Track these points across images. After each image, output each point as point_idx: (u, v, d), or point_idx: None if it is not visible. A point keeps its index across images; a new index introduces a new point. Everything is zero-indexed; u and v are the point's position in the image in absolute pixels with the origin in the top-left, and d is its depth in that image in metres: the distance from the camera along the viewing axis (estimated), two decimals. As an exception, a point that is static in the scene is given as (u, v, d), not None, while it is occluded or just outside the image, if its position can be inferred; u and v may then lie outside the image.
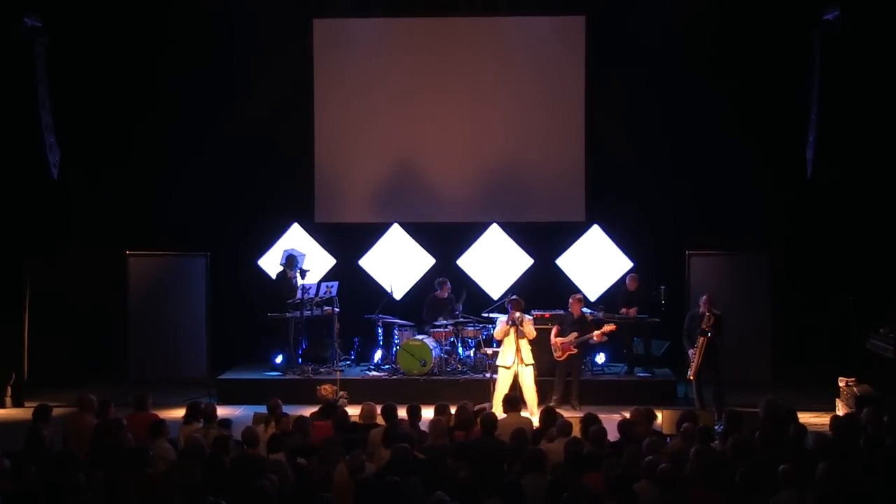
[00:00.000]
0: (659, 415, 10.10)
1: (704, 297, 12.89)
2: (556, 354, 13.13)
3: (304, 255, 14.62)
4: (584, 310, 14.01)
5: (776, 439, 8.22)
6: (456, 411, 9.27)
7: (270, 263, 15.48)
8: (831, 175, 14.06)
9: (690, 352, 12.62)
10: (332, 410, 9.79)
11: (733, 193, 14.96)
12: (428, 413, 9.55)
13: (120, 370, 14.99)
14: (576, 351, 13.12)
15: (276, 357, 14.53)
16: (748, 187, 14.90)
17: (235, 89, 15.24)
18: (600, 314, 13.89)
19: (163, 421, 8.95)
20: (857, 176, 14.15)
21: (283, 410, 9.56)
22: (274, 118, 15.43)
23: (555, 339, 13.12)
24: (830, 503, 6.66)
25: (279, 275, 14.62)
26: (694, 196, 15.05)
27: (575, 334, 13.07)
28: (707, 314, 12.53)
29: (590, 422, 8.91)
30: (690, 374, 12.57)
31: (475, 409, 9.65)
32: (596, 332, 13.16)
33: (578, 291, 14.64)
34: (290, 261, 14.35)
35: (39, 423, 8.86)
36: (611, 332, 13.34)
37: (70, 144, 14.47)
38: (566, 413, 11.30)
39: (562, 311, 13.54)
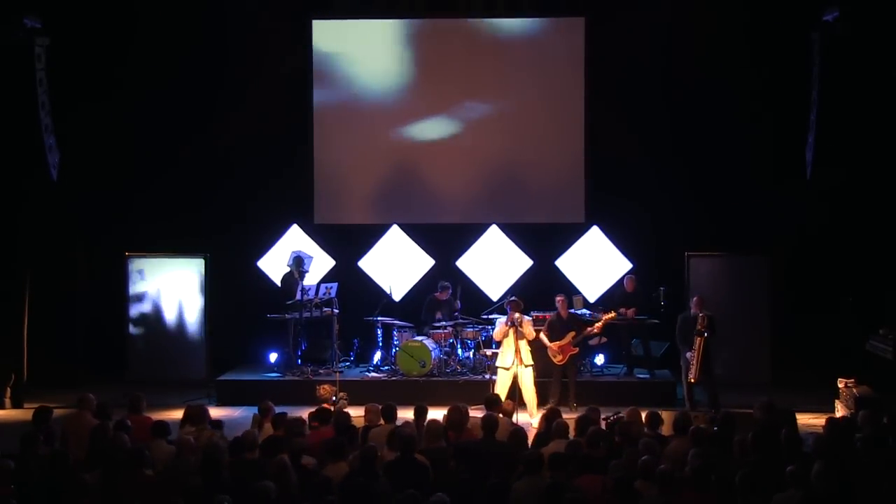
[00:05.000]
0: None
1: (695, 297, 12.88)
2: (556, 359, 13.07)
3: (311, 257, 14.62)
4: (584, 311, 14.03)
5: (773, 441, 8.21)
6: (448, 412, 9.26)
7: (270, 265, 15.49)
8: (831, 176, 14.07)
9: (688, 354, 12.58)
10: (326, 415, 9.72)
11: (733, 194, 14.95)
12: (432, 415, 9.55)
13: (119, 371, 14.99)
14: (577, 350, 13.10)
15: (269, 355, 14.55)
16: (748, 188, 14.90)
17: (235, 90, 15.23)
18: (600, 315, 13.87)
19: (166, 423, 8.94)
20: (857, 177, 14.15)
21: (280, 411, 9.53)
22: (273, 119, 15.44)
23: (551, 345, 13.07)
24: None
25: (286, 276, 14.62)
26: (693, 197, 15.05)
27: (572, 333, 13.05)
28: (700, 315, 12.53)
29: (587, 423, 8.92)
30: (692, 377, 12.51)
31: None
32: (597, 324, 13.10)
33: (578, 292, 14.65)
34: (298, 262, 14.33)
35: (37, 426, 8.84)
36: (612, 319, 13.29)
37: (70, 146, 14.47)
38: (567, 414, 11.32)
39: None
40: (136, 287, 15.35)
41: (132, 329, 15.32)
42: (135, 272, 15.36)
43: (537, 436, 9.18)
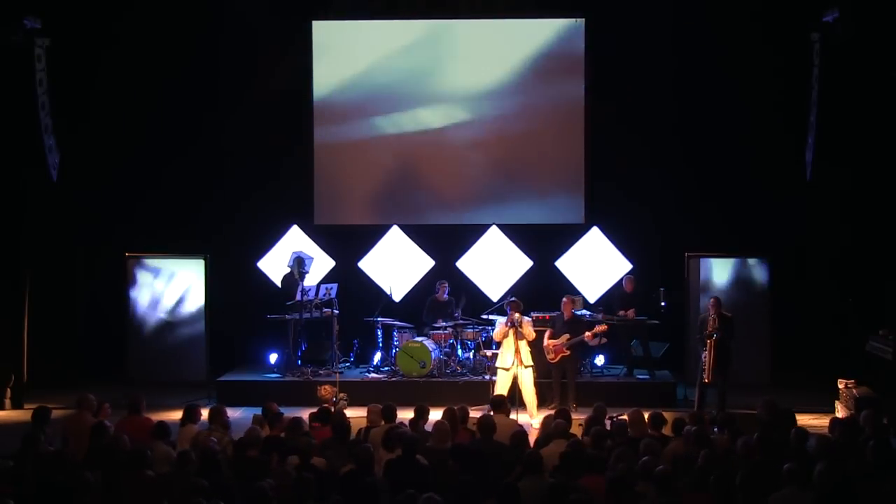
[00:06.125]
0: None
1: (712, 298, 12.89)
2: (548, 357, 13.10)
3: (311, 258, 14.61)
4: (584, 311, 14.04)
5: (777, 440, 8.21)
6: (443, 415, 9.26)
7: (270, 265, 15.48)
8: (831, 177, 14.07)
9: (703, 355, 12.60)
10: (327, 414, 9.74)
11: (733, 195, 14.97)
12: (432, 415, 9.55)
13: (119, 372, 14.97)
14: (568, 353, 13.10)
15: (269, 356, 14.55)
16: (748, 189, 14.91)
17: (235, 91, 15.25)
18: (599, 316, 13.88)
19: (166, 424, 8.93)
20: (857, 178, 14.16)
21: (280, 412, 9.55)
22: (274, 120, 15.44)
23: (547, 342, 13.11)
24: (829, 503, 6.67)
25: (286, 276, 14.61)
26: (693, 198, 15.07)
27: (567, 336, 13.07)
28: (713, 316, 12.53)
29: (594, 422, 8.91)
30: (706, 378, 12.52)
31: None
32: (587, 333, 13.16)
33: (577, 293, 14.65)
34: (298, 263, 14.32)
35: (37, 426, 8.84)
36: (603, 332, 13.32)
37: (70, 146, 14.46)
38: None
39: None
40: (135, 288, 15.35)
41: (132, 329, 15.31)
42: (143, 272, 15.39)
43: (539, 436, 9.18)
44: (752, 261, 15.00)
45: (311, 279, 14.49)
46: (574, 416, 10.09)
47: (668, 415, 9.80)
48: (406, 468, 7.66)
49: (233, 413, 12.41)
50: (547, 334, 13.16)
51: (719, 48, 14.63)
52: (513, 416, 10.97)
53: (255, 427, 8.80)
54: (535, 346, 12.80)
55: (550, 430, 8.79)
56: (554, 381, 13.20)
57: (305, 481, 7.01)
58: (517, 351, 12.27)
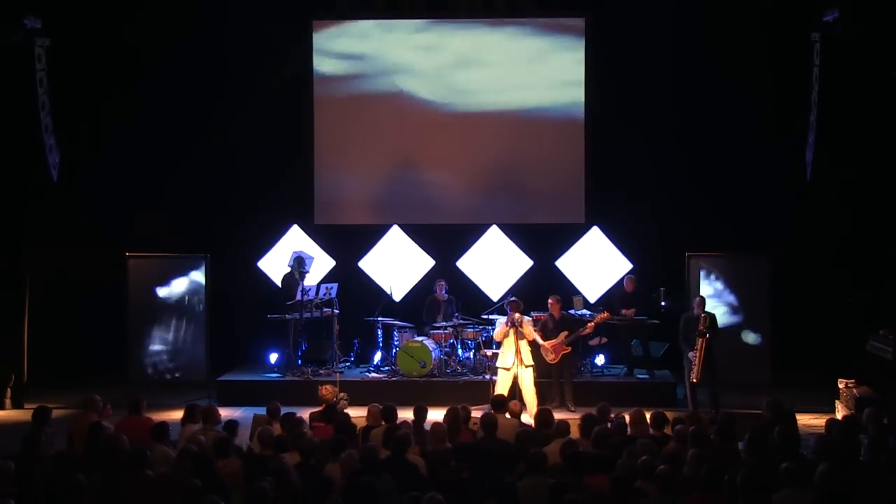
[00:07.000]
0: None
1: (697, 298, 12.90)
2: (549, 358, 13.02)
3: (312, 257, 14.60)
4: (584, 311, 14.03)
5: (781, 439, 8.22)
6: (446, 415, 9.26)
7: (270, 265, 15.49)
8: (831, 176, 14.06)
9: (690, 355, 12.58)
10: (330, 412, 9.77)
11: (733, 195, 14.96)
12: (433, 415, 9.55)
13: (119, 372, 14.97)
14: (569, 349, 13.09)
15: (270, 356, 14.56)
16: (748, 189, 14.91)
17: (235, 91, 15.25)
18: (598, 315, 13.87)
19: (166, 424, 8.93)
20: (857, 177, 14.15)
21: (287, 412, 9.56)
22: (274, 120, 15.45)
23: (544, 344, 13.05)
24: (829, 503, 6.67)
25: (286, 276, 14.61)
26: (694, 197, 15.06)
27: (565, 333, 13.04)
28: (702, 315, 12.53)
29: (592, 422, 8.92)
30: (694, 378, 12.51)
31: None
32: (589, 324, 13.12)
33: (578, 293, 14.65)
34: (299, 262, 14.30)
35: (37, 426, 8.84)
36: (605, 319, 13.28)
37: (70, 146, 14.46)
38: (565, 415, 11.33)
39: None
40: (136, 288, 15.35)
41: (132, 329, 15.30)
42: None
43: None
44: (752, 259, 14.99)
45: (312, 279, 14.48)
46: (572, 415, 10.08)
47: (669, 414, 9.81)
48: (396, 468, 7.64)
49: (233, 413, 12.47)
50: (538, 337, 13.03)
51: (719, 48, 14.63)
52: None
53: (266, 427, 8.81)
54: (536, 346, 12.78)
55: (552, 430, 8.79)
56: (553, 380, 13.19)
57: (326, 482, 7.01)
58: (518, 351, 12.27)
